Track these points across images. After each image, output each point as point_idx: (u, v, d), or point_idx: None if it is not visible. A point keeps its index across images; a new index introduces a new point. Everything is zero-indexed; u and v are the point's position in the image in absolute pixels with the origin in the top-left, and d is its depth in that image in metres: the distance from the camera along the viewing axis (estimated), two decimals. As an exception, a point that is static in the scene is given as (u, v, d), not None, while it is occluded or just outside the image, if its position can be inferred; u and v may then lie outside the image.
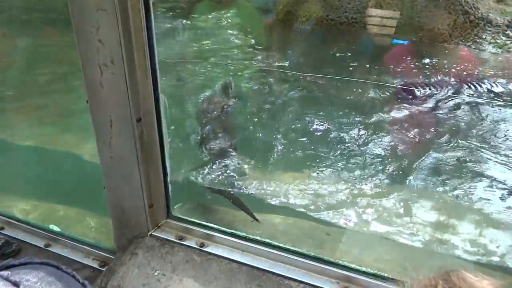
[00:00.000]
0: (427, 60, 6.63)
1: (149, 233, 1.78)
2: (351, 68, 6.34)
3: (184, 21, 8.28)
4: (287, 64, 6.50)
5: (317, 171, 3.59)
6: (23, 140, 3.67)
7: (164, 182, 1.71)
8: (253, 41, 7.64)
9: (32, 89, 4.93)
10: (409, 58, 6.57)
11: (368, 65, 6.50)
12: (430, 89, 5.41)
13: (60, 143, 3.64)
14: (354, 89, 5.41)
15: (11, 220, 2.44)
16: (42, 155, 3.45)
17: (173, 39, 6.95)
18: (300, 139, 4.16)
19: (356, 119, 4.64)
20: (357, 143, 4.17)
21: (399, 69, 6.24)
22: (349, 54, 7.06)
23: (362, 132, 4.36)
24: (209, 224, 1.78)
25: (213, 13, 9.14)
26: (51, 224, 2.50)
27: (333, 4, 8.28)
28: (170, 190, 1.75)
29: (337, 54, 7.02)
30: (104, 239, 2.18)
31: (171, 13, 8.15)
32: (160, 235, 1.77)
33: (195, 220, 1.79)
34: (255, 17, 8.92)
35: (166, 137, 1.64)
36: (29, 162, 3.39)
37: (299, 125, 4.43)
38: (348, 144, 4.13)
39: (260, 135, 4.18)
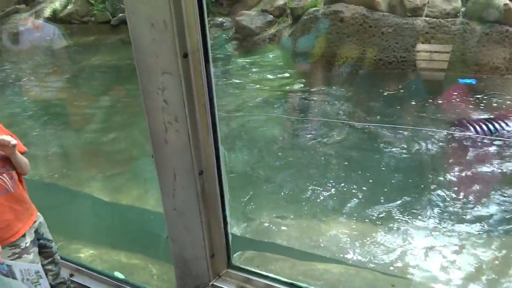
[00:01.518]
0: (483, 96, 6.38)
1: (211, 283, 1.81)
2: (404, 113, 6.17)
3: (231, 73, 8.64)
4: (334, 111, 6.44)
5: (379, 221, 3.48)
6: (92, 191, 3.94)
7: (225, 232, 1.74)
8: (296, 86, 7.75)
9: (103, 144, 5.36)
10: (465, 95, 6.35)
11: (421, 108, 6.32)
12: (489, 126, 5.17)
13: (126, 193, 3.87)
14: (409, 136, 5.21)
15: (80, 267, 2.57)
16: (108, 206, 3.66)
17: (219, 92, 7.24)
18: (360, 189, 4.08)
19: (415, 167, 4.48)
20: (417, 193, 4.01)
21: (456, 108, 6.00)
22: (401, 94, 6.96)
23: (424, 180, 4.20)
24: (269, 275, 1.77)
25: (259, 65, 9.47)
26: (116, 271, 2.61)
27: (380, 44, 8.32)
28: (230, 240, 1.78)
29: (388, 97, 6.91)
30: (166, 288, 2.24)
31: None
32: (222, 285, 1.79)
33: (255, 270, 1.80)
34: (299, 64, 9.11)
35: (226, 188, 1.69)
36: (97, 212, 3.61)
37: (358, 174, 4.34)
38: (409, 195, 3.99)
39: (315, 186, 4.13)
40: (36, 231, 2.10)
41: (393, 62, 8.10)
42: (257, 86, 7.86)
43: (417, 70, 7.79)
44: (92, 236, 3.23)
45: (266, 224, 3.47)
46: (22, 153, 2.01)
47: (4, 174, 1.90)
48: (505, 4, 7.42)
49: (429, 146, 4.95)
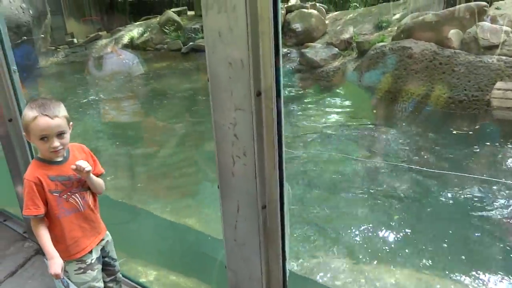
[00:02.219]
0: None
1: (265, 318, 1.79)
2: (477, 157, 5.78)
3: (296, 107, 8.71)
4: (400, 151, 6.17)
5: (445, 275, 3.26)
6: (159, 212, 4.11)
7: (283, 269, 1.74)
8: (360, 122, 7.59)
9: (169, 167, 5.63)
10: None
11: (497, 153, 5.90)
12: None
13: (188, 216, 4.00)
14: (483, 186, 4.83)
15: (137, 286, 2.67)
16: (169, 227, 3.79)
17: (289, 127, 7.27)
18: (424, 238, 3.86)
19: (490, 222, 4.16)
20: (490, 251, 3.71)
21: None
22: (474, 136, 6.57)
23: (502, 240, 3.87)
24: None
25: (323, 98, 9.47)
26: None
27: (451, 82, 8.02)
28: (287, 277, 1.77)
29: (459, 138, 6.54)
30: (218, 317, 2.24)
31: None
32: (276, 323, 1.77)
33: (311, 311, 1.76)
34: (364, 98, 8.99)
35: (288, 224, 1.70)
36: (158, 232, 3.75)
37: (422, 223, 4.11)
38: (479, 251, 3.71)
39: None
40: (102, 249, 2.21)
41: (464, 101, 7.75)
42: (319, 120, 7.83)
43: (492, 109, 7.36)
44: (151, 255, 3.35)
45: (321, 264, 3.38)
46: (99, 175, 2.15)
47: (76, 194, 2.03)
48: None
49: (504, 199, 4.57)
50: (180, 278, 2.97)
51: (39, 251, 3.01)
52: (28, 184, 1.91)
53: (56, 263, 1.87)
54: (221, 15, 1.44)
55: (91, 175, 2.02)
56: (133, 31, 18.47)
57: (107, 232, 2.25)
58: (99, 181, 2.12)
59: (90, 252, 2.10)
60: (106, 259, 2.26)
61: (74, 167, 1.93)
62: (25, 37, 12.01)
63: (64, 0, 20.77)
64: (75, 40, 19.30)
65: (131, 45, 17.70)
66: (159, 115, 8.62)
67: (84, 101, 10.19)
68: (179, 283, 2.96)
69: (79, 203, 2.03)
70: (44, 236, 1.93)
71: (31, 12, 12.56)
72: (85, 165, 1.94)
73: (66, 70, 15.50)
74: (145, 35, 18.05)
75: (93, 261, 2.11)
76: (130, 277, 2.73)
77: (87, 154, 2.14)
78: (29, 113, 1.87)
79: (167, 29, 17.22)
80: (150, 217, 3.96)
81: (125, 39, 18.12)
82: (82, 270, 2.08)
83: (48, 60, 16.60)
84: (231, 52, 1.45)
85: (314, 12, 14.87)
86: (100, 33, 19.88)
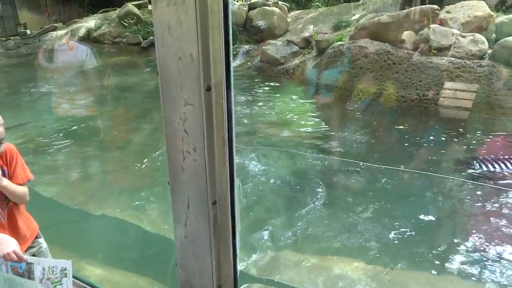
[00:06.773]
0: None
1: (216, 314, 1.79)
2: (422, 153, 6.06)
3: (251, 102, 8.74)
4: (354, 148, 6.36)
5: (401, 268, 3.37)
6: (105, 209, 3.98)
7: (234, 264, 1.74)
8: (315, 119, 7.71)
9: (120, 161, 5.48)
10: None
11: (441, 148, 6.23)
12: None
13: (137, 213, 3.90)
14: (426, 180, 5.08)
15: (87, 286, 2.59)
16: (123, 226, 3.68)
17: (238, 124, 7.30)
18: (374, 233, 3.97)
19: (430, 213, 4.36)
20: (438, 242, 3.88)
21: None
22: (421, 132, 6.88)
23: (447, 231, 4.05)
24: (275, 311, 1.75)
25: (281, 94, 9.56)
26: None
27: (403, 81, 8.33)
28: (238, 272, 1.77)
29: (407, 134, 6.82)
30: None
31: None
32: (226, 318, 1.77)
33: (261, 306, 1.78)
34: (321, 96, 9.17)
35: (238, 220, 1.70)
36: (110, 231, 3.64)
37: (373, 217, 4.21)
38: (428, 243, 3.87)
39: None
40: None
41: (415, 100, 8.09)
42: (276, 116, 7.89)
43: (441, 108, 7.75)
44: (103, 255, 3.25)
45: (276, 259, 3.41)
46: (24, 183, 2.02)
47: None
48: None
49: (449, 192, 4.82)
50: (131, 277, 2.91)
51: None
52: None
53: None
54: (170, 8, 1.41)
55: (7, 184, 1.89)
56: (90, 23, 17.84)
57: (40, 241, 2.16)
58: (20, 190, 1.97)
59: None
60: None
61: None
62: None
63: (16, -11, 19.76)
64: (28, 31, 18.40)
65: (88, 38, 17.09)
66: (111, 108, 8.37)
67: (33, 93, 9.73)
68: (131, 283, 2.90)
69: None
70: None
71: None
72: None
73: (16, 61, 14.75)
74: (102, 27, 17.48)
75: None
76: (80, 277, 2.64)
77: (10, 160, 1.98)
78: None
79: (126, 22, 16.77)
80: (101, 217, 3.84)
81: (82, 32, 17.47)
82: None
83: (-4, 51, 15.73)
84: (181, 46, 1.43)
85: (276, 10, 14.97)
86: (55, 24, 19.05)
